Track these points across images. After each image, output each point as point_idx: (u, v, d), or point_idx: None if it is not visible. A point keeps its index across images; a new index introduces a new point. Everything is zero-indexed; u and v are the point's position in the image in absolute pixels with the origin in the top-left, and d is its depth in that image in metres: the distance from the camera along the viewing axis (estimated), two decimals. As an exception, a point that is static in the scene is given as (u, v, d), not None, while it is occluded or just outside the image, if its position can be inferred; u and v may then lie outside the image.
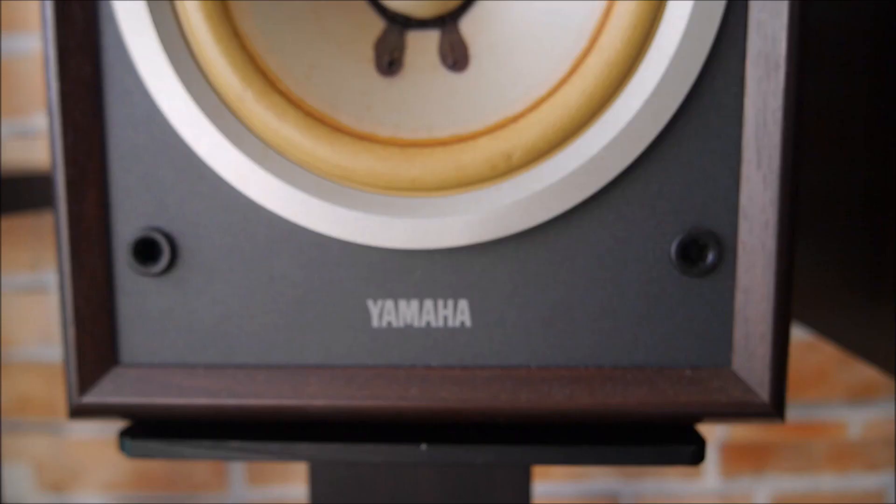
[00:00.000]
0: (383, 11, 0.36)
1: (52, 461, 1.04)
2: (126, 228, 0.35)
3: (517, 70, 0.34)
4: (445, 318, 0.35)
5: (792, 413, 1.01)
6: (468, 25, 0.36)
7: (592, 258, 0.34)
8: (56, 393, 1.03)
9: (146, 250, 0.35)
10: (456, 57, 0.35)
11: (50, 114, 0.34)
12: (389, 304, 0.35)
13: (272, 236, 0.34)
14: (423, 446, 0.35)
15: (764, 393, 0.34)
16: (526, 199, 0.33)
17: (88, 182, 0.34)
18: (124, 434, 0.36)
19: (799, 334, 0.98)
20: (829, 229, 0.52)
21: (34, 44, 0.98)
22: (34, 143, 0.99)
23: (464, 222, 0.33)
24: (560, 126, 0.33)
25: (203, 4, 0.32)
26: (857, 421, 1.02)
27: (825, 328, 0.53)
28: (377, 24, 0.36)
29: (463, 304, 0.35)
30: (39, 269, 1.00)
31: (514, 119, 0.34)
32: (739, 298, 0.34)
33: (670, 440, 0.35)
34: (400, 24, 0.36)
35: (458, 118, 0.34)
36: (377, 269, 0.35)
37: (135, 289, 0.35)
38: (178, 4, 0.33)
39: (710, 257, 0.34)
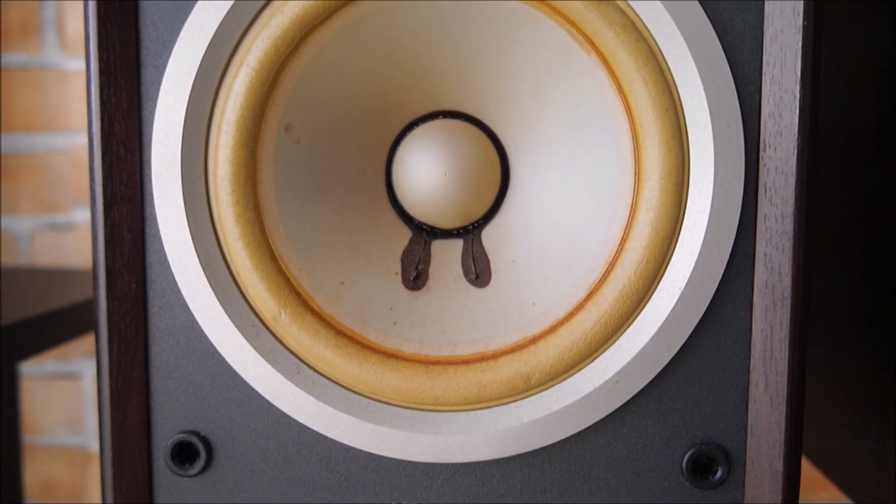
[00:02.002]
0: (410, 221, 0.38)
1: (74, 545, 1.06)
2: (165, 431, 0.37)
3: (536, 290, 0.36)
4: (465, 522, 0.36)
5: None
6: (490, 238, 0.38)
7: (607, 469, 0.36)
8: (81, 478, 1.05)
9: (184, 453, 0.37)
10: (478, 270, 0.37)
11: (97, 330, 0.36)
12: (412, 507, 0.36)
13: (302, 443, 0.36)
14: None
15: None
16: (544, 418, 0.35)
17: (132, 390, 0.36)
18: None
19: None
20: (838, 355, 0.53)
21: (69, 142, 1.01)
22: (66, 235, 1.02)
23: (484, 439, 0.35)
24: (576, 350, 0.35)
25: (243, 231, 0.35)
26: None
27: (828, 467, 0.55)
28: (404, 235, 0.38)
29: (482, 508, 0.36)
30: (68, 359, 1.03)
31: (533, 340, 0.35)
32: (748, 510, 0.35)
33: None
34: (426, 234, 0.38)
35: (479, 335, 0.36)
36: (401, 477, 0.36)
37: (172, 488, 0.37)
38: (220, 230, 0.35)
39: (720, 472, 0.36)
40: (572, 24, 0.34)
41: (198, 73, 0.34)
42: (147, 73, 0.35)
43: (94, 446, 1.05)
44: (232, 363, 0.36)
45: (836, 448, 0.55)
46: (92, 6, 0.35)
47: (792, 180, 0.34)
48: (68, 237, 1.02)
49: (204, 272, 0.35)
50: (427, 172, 0.37)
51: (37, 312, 0.57)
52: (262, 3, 0.34)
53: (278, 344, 0.36)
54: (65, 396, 1.04)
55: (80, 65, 0.99)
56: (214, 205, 0.35)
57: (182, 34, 0.34)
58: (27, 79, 1.01)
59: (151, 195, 0.35)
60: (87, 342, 1.00)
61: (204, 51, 0.34)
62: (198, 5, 0.34)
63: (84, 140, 1.00)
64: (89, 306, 0.69)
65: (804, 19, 0.33)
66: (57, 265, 1.01)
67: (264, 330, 0.36)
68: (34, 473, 1.05)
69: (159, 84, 0.35)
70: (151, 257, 0.36)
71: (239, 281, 0.36)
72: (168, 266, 0.36)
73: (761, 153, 0.34)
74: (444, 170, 0.37)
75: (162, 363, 0.37)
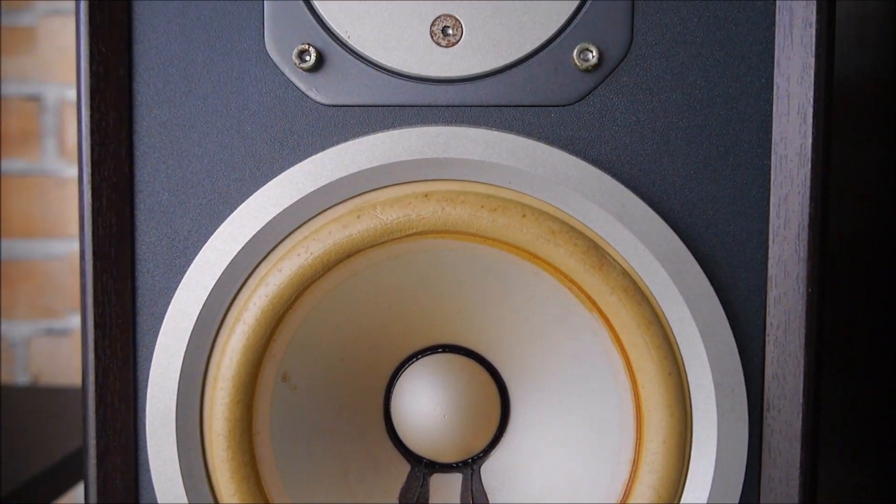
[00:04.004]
0: (408, 452, 0.38)
1: None
2: None
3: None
4: None
5: None
6: (490, 476, 0.37)
7: None
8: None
9: None
10: (478, 509, 0.37)
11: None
12: None
13: None
14: None
15: None
16: None
17: None
18: None
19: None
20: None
21: (67, 248, 1.01)
22: (63, 340, 1.01)
23: None
24: None
25: (238, 488, 0.34)
26: None
27: None
28: (402, 470, 0.37)
29: None
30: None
31: None
32: None
33: None
34: (424, 466, 0.37)
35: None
36: None
37: None
38: (215, 484, 0.34)
39: None
40: (574, 283, 0.33)
41: (194, 328, 0.34)
42: (143, 321, 0.35)
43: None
44: None
45: None
46: (89, 261, 0.34)
47: (797, 445, 0.33)
48: (65, 343, 1.02)
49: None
50: (427, 410, 0.36)
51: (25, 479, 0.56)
52: (260, 258, 0.34)
53: None
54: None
55: (79, 173, 0.99)
56: (210, 457, 0.34)
57: (179, 289, 0.34)
58: (26, 185, 1.01)
59: (145, 442, 0.35)
60: None
61: (201, 306, 0.34)
62: (195, 261, 0.34)
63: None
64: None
65: (808, 286, 0.33)
66: (52, 383, 1.00)
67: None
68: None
69: (155, 332, 0.35)
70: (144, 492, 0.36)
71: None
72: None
73: (765, 413, 0.34)
74: (443, 410, 0.36)
75: None
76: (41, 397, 0.87)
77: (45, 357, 1.05)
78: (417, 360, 0.37)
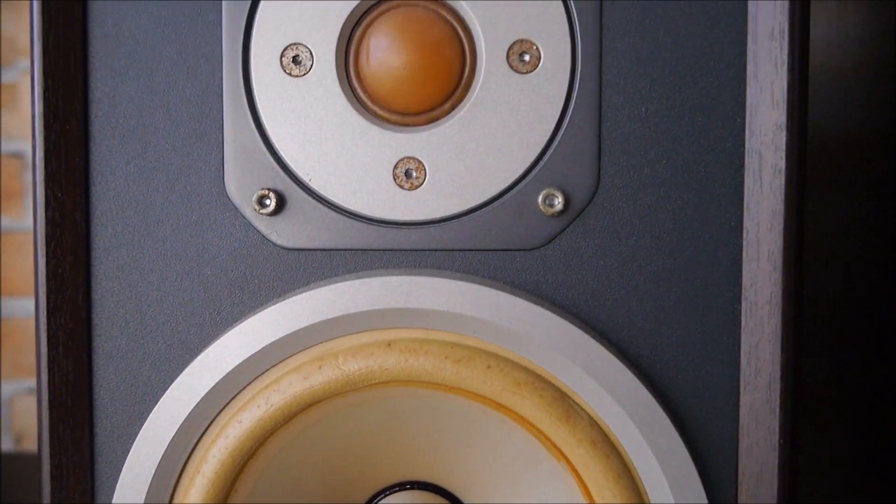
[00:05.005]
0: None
1: None
2: None
3: None
4: None
5: None
6: None
7: None
8: None
9: None
10: None
11: None
12: None
13: None
14: None
15: None
16: None
17: None
18: None
19: None
20: None
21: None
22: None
23: None
24: None
25: None
26: None
27: None
28: None
29: None
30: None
31: None
32: None
33: None
34: None
35: None
36: None
37: None
38: None
39: None
40: (541, 433, 0.32)
41: (153, 480, 0.33)
42: (101, 469, 0.34)
43: None
44: None
45: None
46: (45, 409, 0.34)
47: None
48: (49, 402, 1.01)
49: None
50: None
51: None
52: (219, 408, 0.33)
53: None
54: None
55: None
56: None
57: (138, 439, 0.33)
58: (9, 243, 1.00)
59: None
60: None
61: (160, 458, 0.33)
62: (154, 411, 0.33)
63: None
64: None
65: (780, 437, 0.32)
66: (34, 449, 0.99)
67: None
68: None
69: (113, 481, 0.34)
70: None
71: None
72: None
73: (739, 564, 0.33)
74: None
75: None
76: (26, 463, 0.86)
77: (28, 416, 1.04)
78: (385, 496, 0.37)
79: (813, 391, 0.51)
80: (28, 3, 0.33)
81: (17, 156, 1.01)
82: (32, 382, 1.03)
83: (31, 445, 1.00)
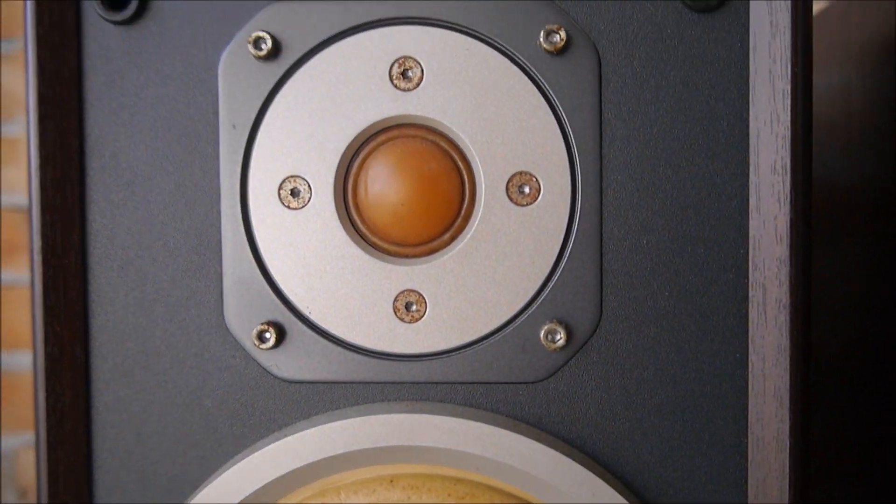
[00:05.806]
0: None
1: None
2: None
3: None
4: None
5: None
6: None
7: None
8: None
9: None
10: None
11: None
12: None
13: None
14: None
15: None
16: None
17: None
18: None
19: None
20: None
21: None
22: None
23: None
24: None
25: None
26: None
27: None
28: None
29: None
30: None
31: None
32: None
33: None
34: None
35: None
36: None
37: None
38: None
39: None
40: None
41: None
42: None
43: None
44: None
45: None
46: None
47: None
48: (53, 455, 1.01)
49: None
50: None
51: None
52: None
53: None
54: None
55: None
56: None
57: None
58: (13, 296, 1.00)
59: None
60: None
61: None
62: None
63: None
64: None
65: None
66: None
67: None
68: None
69: None
70: None
71: None
72: None
73: None
74: None
75: None
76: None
77: (33, 469, 1.04)
78: None
79: None
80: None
81: (19, 209, 1.01)
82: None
83: (35, 499, 1.00)
